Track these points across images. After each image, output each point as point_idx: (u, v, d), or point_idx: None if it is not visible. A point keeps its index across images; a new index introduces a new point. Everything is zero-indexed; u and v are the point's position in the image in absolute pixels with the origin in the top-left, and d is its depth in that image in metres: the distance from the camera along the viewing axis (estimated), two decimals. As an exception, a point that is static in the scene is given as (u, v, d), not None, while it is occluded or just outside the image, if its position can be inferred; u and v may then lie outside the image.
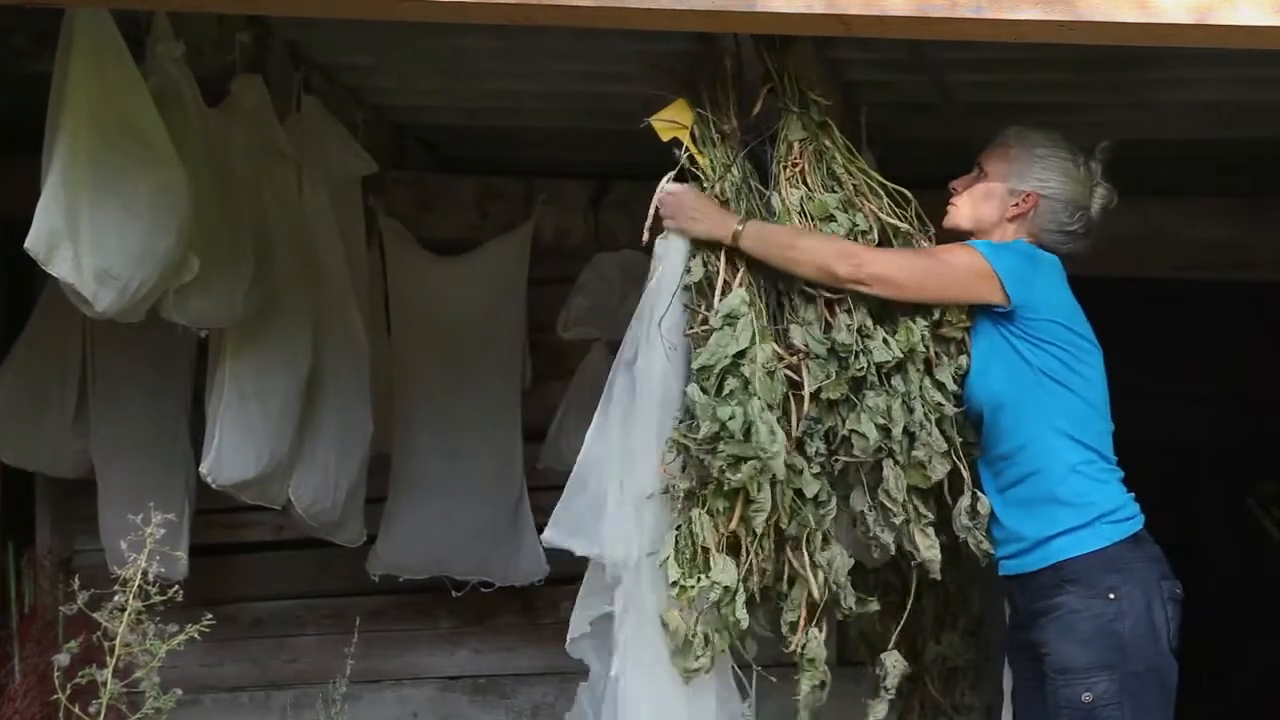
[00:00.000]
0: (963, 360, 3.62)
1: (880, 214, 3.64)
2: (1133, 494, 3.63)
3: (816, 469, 3.48)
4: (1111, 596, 3.51)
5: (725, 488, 3.45)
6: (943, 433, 3.56)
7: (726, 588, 3.45)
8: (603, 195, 5.50)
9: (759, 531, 3.46)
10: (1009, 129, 3.80)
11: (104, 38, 3.77)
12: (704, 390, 3.49)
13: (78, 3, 3.62)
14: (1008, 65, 4.47)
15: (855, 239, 3.59)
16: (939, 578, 3.62)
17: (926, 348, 3.56)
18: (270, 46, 4.56)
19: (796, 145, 3.64)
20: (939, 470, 3.53)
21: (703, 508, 3.48)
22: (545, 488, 5.52)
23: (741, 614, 3.45)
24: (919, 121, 4.98)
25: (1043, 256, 3.67)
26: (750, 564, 3.46)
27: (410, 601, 5.71)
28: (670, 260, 3.65)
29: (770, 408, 3.45)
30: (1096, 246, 3.91)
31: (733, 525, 3.45)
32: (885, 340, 3.53)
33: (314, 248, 4.64)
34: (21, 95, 4.13)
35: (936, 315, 3.60)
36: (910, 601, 3.72)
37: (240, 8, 3.57)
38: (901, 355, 3.53)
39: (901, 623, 3.84)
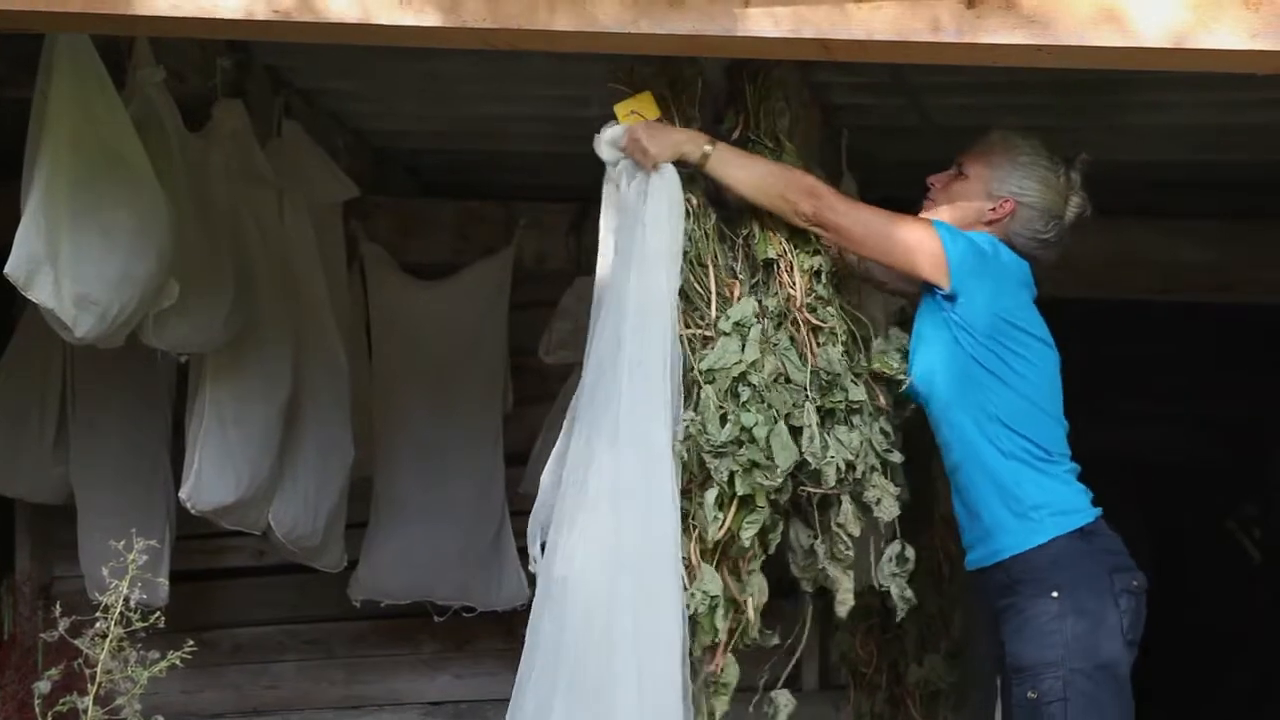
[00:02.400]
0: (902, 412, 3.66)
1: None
2: (1083, 488, 3.63)
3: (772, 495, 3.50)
4: (1055, 595, 3.53)
5: (726, 495, 3.44)
6: (888, 478, 3.59)
7: (714, 597, 3.44)
8: (583, 219, 5.50)
9: (746, 545, 3.46)
10: (993, 131, 3.81)
11: (85, 63, 3.77)
12: (718, 393, 3.48)
13: (58, 28, 3.62)
14: (988, 89, 4.49)
15: (812, 278, 3.60)
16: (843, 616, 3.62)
17: (880, 391, 3.58)
18: (251, 71, 4.56)
19: None
20: (889, 511, 3.56)
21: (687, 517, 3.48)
22: (527, 512, 5.51)
23: (721, 624, 3.45)
24: (899, 144, 4.99)
25: (1004, 252, 3.68)
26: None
27: (392, 627, 5.70)
28: (658, 202, 3.56)
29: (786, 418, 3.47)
30: (1076, 267, 3.92)
31: (721, 533, 3.45)
32: (853, 380, 3.55)
33: (294, 272, 4.64)
34: (1, 121, 4.13)
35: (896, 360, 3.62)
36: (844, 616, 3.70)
37: (221, 33, 3.58)
38: (867, 397, 3.56)
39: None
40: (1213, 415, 8.54)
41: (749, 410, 3.46)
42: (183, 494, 4.45)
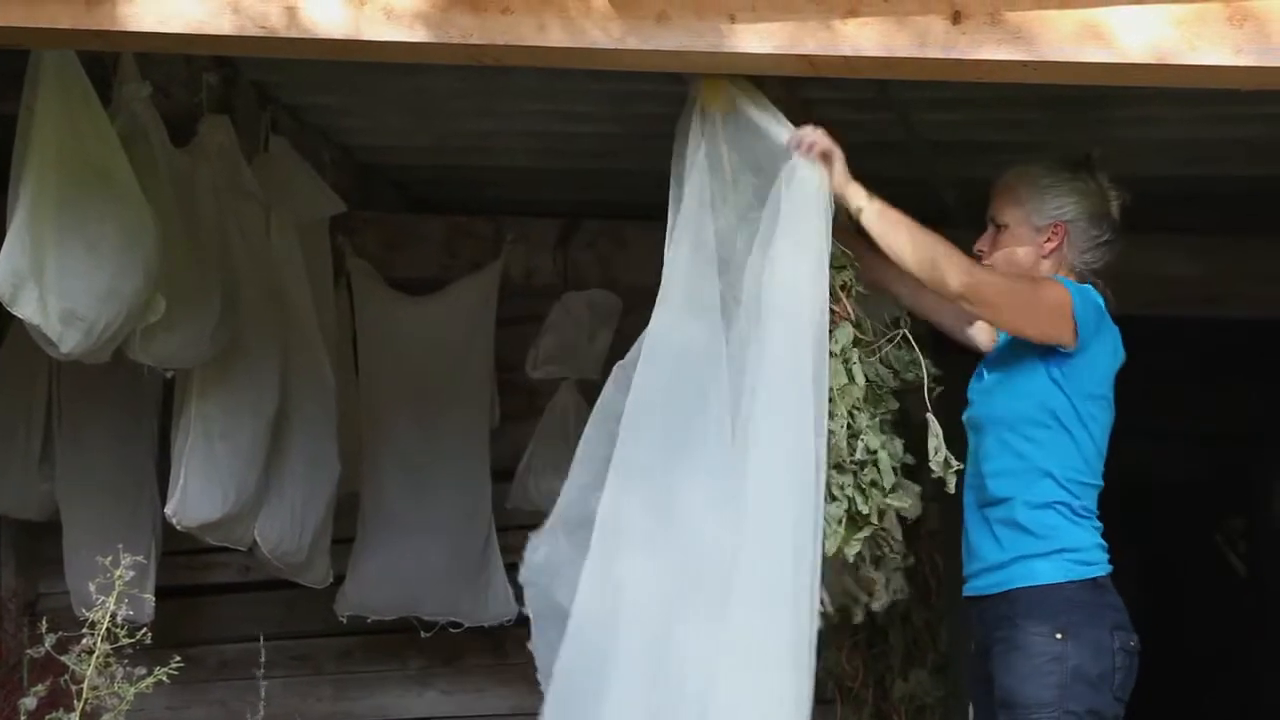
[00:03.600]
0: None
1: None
2: (1105, 544, 3.64)
3: None
4: (1059, 637, 3.52)
5: (850, 512, 3.48)
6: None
7: None
8: (571, 234, 5.52)
9: (850, 561, 3.53)
10: (1006, 172, 3.76)
11: (70, 79, 3.77)
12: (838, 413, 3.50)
13: (44, 44, 3.62)
14: (974, 104, 4.50)
15: (844, 293, 3.59)
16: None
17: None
18: (238, 87, 4.57)
19: None
20: (914, 511, 3.57)
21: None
22: (513, 527, 5.51)
23: None
24: (886, 160, 4.99)
25: (1107, 315, 3.66)
26: None
27: (379, 642, 5.69)
28: (800, 197, 3.44)
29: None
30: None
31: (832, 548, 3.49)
32: (889, 391, 3.58)
33: (281, 287, 4.64)
34: (-13, 136, 4.13)
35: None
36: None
37: (207, 49, 3.58)
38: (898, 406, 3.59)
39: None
40: (1198, 429, 8.54)
41: (869, 433, 3.47)
42: (169, 510, 4.44)
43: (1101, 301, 3.66)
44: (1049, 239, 3.68)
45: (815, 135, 3.48)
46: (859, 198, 3.50)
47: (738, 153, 3.52)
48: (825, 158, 3.48)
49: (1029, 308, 3.56)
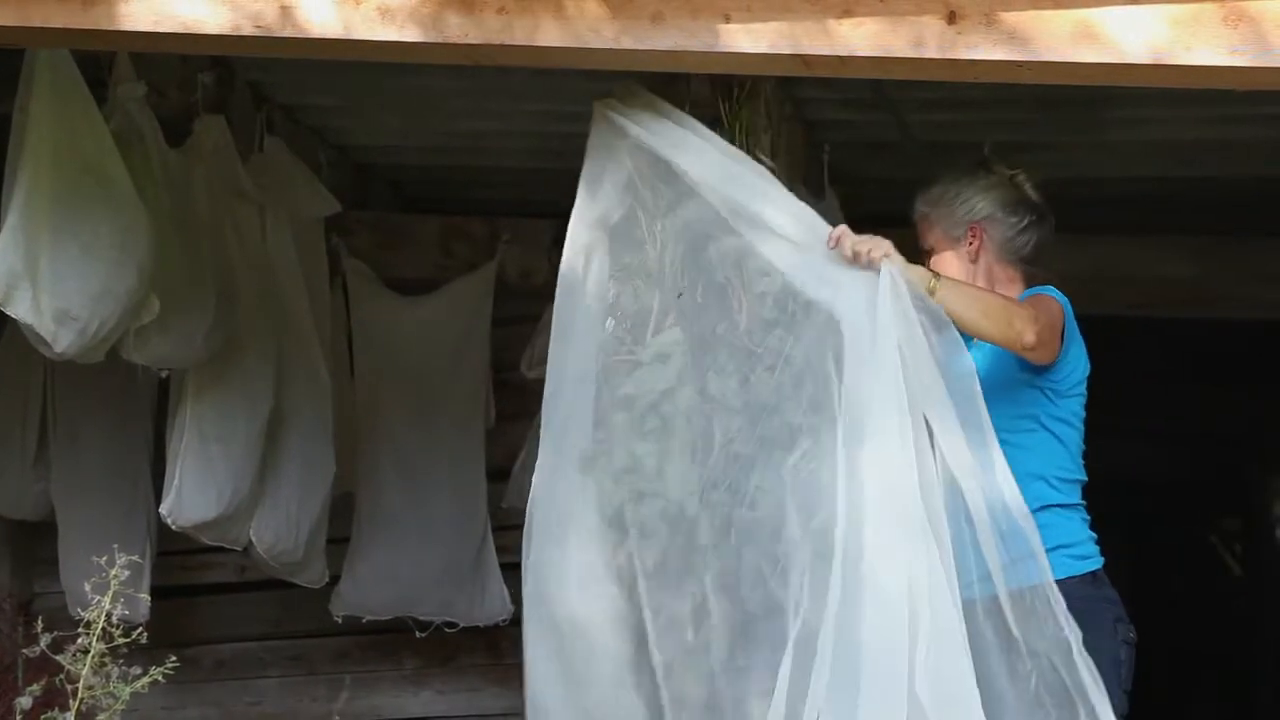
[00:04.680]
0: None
1: None
2: (1095, 535, 3.64)
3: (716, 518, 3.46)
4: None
5: (621, 517, 3.44)
6: None
7: None
8: (566, 235, 5.51)
9: (650, 566, 3.45)
10: (916, 203, 3.77)
11: (65, 78, 3.78)
12: (629, 421, 3.48)
13: (39, 43, 3.62)
14: (969, 105, 4.51)
15: None
16: None
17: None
18: (233, 87, 4.57)
19: None
20: None
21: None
22: (509, 527, 5.51)
23: None
24: (881, 160, 5.01)
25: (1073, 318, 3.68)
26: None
27: (374, 642, 5.69)
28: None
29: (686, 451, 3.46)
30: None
31: (619, 559, 3.44)
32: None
33: (276, 288, 4.64)
34: (-18, 136, 4.13)
35: None
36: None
37: (203, 49, 3.58)
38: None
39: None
40: (1194, 430, 8.56)
41: (646, 441, 3.49)
42: (164, 510, 4.44)
43: (1065, 299, 3.66)
44: (970, 241, 3.69)
45: (858, 244, 3.37)
46: (928, 277, 3.42)
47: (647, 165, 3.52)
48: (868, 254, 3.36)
49: (1054, 335, 3.56)
